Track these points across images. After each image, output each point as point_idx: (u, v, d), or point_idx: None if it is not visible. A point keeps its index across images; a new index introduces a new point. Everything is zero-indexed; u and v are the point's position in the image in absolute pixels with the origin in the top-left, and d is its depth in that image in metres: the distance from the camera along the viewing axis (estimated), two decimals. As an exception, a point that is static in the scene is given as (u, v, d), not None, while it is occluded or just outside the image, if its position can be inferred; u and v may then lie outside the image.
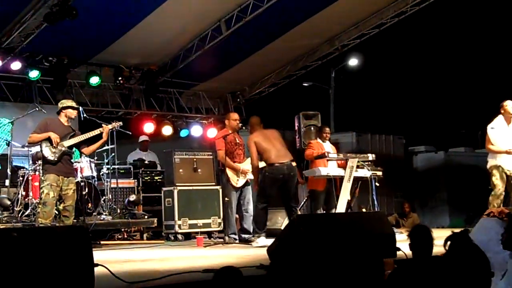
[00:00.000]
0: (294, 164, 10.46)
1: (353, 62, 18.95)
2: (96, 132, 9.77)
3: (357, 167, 11.32)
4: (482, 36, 19.75)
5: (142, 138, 14.77)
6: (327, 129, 12.13)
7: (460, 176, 17.08)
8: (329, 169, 11.29)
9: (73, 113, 9.70)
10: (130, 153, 14.44)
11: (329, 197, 11.49)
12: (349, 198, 11.46)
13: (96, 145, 9.92)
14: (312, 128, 12.85)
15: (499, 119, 10.39)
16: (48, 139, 9.35)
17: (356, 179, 11.58)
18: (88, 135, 9.76)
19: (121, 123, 10.28)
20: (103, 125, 9.94)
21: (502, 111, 10.33)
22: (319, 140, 11.90)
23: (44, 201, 9.22)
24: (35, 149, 11.07)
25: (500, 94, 10.29)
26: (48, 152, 9.32)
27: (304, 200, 12.63)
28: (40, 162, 9.85)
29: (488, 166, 10.39)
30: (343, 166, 11.32)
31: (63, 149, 9.42)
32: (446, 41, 20.15)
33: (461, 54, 20.35)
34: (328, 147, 11.79)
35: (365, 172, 11.42)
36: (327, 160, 11.43)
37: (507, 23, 18.62)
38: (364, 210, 12.44)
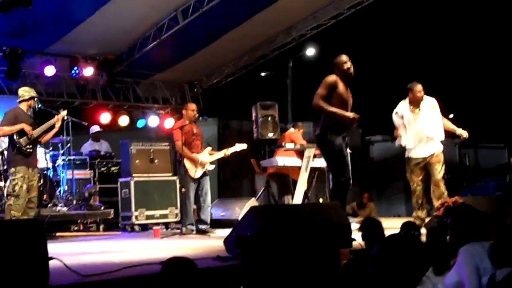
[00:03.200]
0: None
1: (310, 52, 19.02)
2: (54, 120, 9.82)
3: (314, 156, 11.41)
4: (438, 25, 19.93)
5: (95, 129, 14.59)
6: (304, 129, 12.57)
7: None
8: (285, 159, 11.43)
9: (35, 103, 9.80)
10: (83, 145, 14.30)
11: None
12: (306, 188, 11.58)
13: (51, 134, 10.04)
14: (269, 119, 12.87)
15: (405, 104, 10.22)
16: (20, 131, 9.41)
17: (313, 169, 11.67)
18: (48, 124, 9.83)
19: (66, 111, 10.31)
20: (58, 115, 9.97)
21: (410, 95, 10.13)
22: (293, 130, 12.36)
23: (18, 193, 9.27)
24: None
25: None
26: (24, 143, 9.39)
27: (262, 190, 12.69)
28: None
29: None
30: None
31: (33, 139, 9.53)
32: (401, 31, 20.29)
33: (416, 43, 20.51)
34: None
35: (322, 162, 11.51)
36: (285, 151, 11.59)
37: (471, 14, 18.86)
38: (321, 200, 12.55)
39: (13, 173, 9.37)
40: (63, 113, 10.11)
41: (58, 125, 9.95)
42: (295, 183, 11.70)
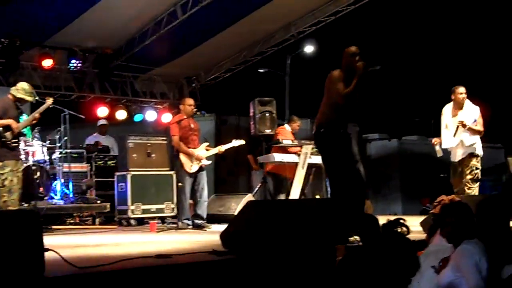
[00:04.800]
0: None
1: (309, 49, 19.00)
2: (37, 115, 9.76)
3: (311, 153, 11.42)
4: (435, 23, 19.94)
5: (101, 122, 14.70)
6: (299, 123, 12.45)
7: (413, 164, 17.28)
8: (283, 155, 11.43)
9: (22, 103, 9.72)
10: (88, 137, 14.36)
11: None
12: (303, 184, 11.58)
13: (31, 122, 9.99)
14: (267, 115, 12.85)
15: (448, 106, 10.34)
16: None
17: (310, 166, 11.67)
18: (32, 117, 9.82)
19: (52, 99, 10.28)
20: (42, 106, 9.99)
21: (453, 97, 10.25)
22: (288, 127, 12.19)
23: (10, 188, 9.14)
24: None
25: (453, 83, 10.34)
26: (10, 137, 9.25)
27: (259, 186, 12.68)
28: None
29: None
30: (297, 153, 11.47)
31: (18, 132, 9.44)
32: (400, 29, 20.30)
33: (415, 42, 20.52)
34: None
35: (319, 159, 11.49)
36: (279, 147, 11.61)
37: (459, 13, 18.85)
38: (318, 196, 12.54)
39: (1, 167, 9.18)
40: (49, 101, 10.05)
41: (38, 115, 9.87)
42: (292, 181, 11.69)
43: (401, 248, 3.65)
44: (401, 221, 4.92)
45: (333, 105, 8.11)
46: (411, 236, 5.18)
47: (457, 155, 10.23)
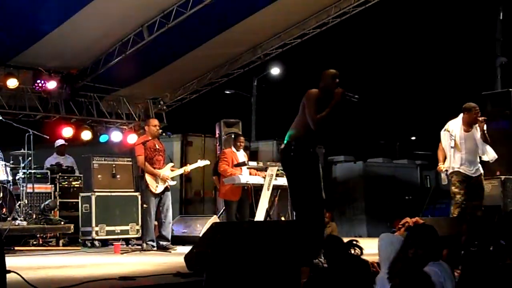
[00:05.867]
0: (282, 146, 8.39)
1: (275, 71, 19.12)
2: None
3: (277, 175, 11.41)
4: (399, 46, 20.16)
5: (59, 142, 14.51)
6: (242, 139, 12.24)
7: (378, 186, 17.41)
8: (248, 177, 11.38)
9: None
10: (47, 158, 14.18)
11: (242, 206, 11.61)
12: (268, 206, 11.55)
13: None
14: (232, 136, 12.87)
15: (457, 122, 10.07)
16: None
17: (276, 188, 11.67)
18: None
19: None
20: None
21: (467, 115, 9.92)
22: (233, 149, 11.97)
23: None
24: None
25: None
26: None
27: (224, 208, 12.66)
28: None
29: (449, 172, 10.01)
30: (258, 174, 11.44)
31: None
32: (365, 53, 20.50)
33: (380, 66, 20.73)
34: (241, 156, 11.87)
35: (285, 181, 11.49)
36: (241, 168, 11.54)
37: (426, 41, 19.08)
38: (283, 218, 12.54)
39: None
40: None
41: None
42: (257, 202, 11.65)
43: (356, 268, 3.69)
44: (354, 242, 4.97)
45: (306, 125, 8.02)
46: (375, 259, 5.23)
47: (474, 170, 9.95)
